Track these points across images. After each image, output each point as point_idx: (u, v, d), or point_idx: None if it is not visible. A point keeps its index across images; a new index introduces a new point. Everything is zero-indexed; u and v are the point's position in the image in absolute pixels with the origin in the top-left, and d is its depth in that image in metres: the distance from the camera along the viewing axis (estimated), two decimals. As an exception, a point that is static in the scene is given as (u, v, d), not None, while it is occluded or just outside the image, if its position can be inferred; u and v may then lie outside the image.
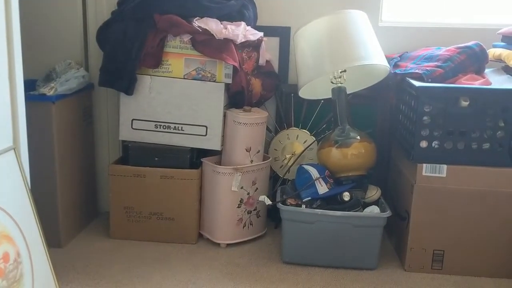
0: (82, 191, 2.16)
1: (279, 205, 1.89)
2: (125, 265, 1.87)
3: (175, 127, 2.02)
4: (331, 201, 1.91)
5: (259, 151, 2.05)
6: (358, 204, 1.89)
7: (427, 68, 1.88)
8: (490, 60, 1.98)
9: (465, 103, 1.76)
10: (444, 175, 1.79)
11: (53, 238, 1.85)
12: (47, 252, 1.37)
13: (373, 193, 1.97)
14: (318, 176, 1.92)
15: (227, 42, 1.94)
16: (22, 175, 1.34)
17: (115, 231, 2.07)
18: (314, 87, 2.06)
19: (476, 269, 1.85)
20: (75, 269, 1.82)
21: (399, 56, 2.11)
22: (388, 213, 1.84)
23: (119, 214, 2.05)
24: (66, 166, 1.99)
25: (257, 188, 2.05)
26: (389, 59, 2.06)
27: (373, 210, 1.90)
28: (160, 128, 2.02)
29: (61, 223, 1.97)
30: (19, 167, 1.33)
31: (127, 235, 2.06)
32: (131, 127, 2.03)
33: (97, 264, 1.87)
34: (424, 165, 1.79)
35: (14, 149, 1.32)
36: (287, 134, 2.23)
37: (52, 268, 1.38)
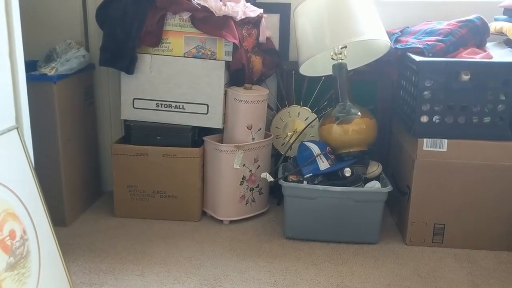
0: (86, 171, 2.18)
1: (281, 181, 1.90)
2: (130, 242, 1.89)
3: (176, 105, 2.02)
4: (332, 177, 1.92)
5: (260, 129, 2.06)
6: (359, 179, 1.90)
7: (428, 42, 1.87)
8: (492, 34, 1.97)
9: (466, 77, 1.76)
10: (444, 149, 1.80)
11: (58, 217, 1.87)
12: (52, 229, 1.39)
13: (374, 168, 1.98)
14: (320, 152, 1.93)
15: (227, 19, 1.93)
16: (25, 153, 1.35)
17: (119, 210, 2.09)
18: (315, 64, 2.06)
19: (477, 242, 1.87)
20: (81, 247, 1.85)
21: (400, 31, 2.10)
22: (389, 188, 1.86)
23: (122, 192, 2.07)
24: (69, 145, 2.01)
25: (259, 166, 2.07)
26: (390, 34, 2.05)
27: (374, 185, 1.92)
28: (161, 107, 2.03)
29: (65, 202, 1.99)
30: (23, 146, 1.34)
31: (131, 214, 2.08)
32: (133, 106, 2.04)
33: (102, 242, 1.89)
34: (425, 139, 1.80)
35: (17, 128, 1.34)
36: (288, 112, 2.24)
37: (58, 245, 1.40)
